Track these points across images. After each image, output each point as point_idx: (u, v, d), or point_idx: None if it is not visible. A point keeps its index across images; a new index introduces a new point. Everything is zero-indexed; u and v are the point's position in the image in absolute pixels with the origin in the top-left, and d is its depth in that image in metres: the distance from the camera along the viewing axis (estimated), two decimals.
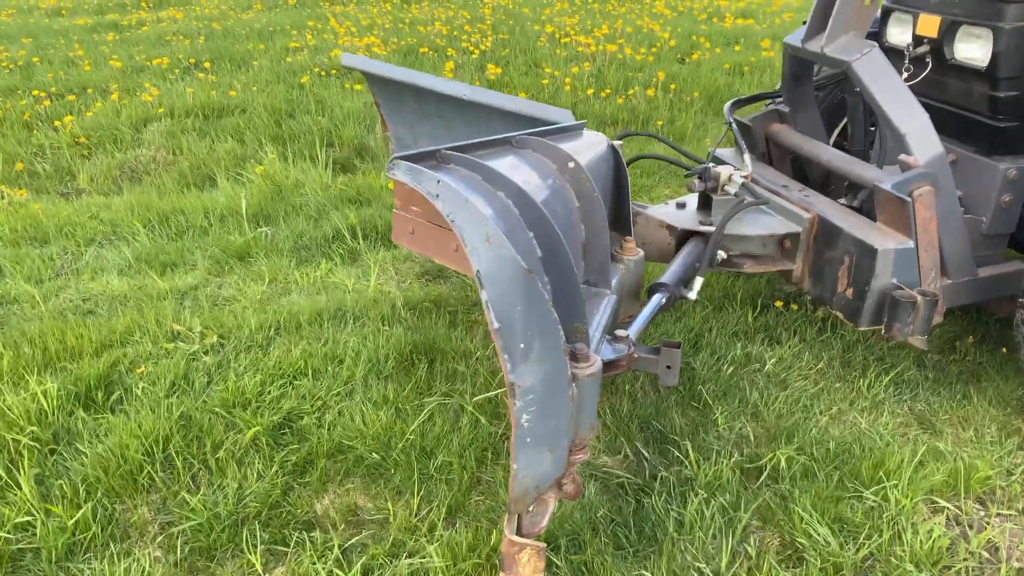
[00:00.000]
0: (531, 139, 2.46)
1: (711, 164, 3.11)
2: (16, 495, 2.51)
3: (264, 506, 2.54)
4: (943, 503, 2.57)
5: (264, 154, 5.81)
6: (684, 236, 3.04)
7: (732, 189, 3.07)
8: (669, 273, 2.77)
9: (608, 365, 2.22)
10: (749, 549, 2.39)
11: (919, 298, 2.61)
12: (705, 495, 2.55)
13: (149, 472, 2.65)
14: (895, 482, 2.56)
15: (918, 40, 3.13)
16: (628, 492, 2.62)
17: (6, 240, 4.54)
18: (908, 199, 2.68)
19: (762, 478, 2.66)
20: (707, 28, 10.25)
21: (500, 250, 1.75)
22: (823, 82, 3.77)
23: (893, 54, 3.15)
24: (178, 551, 2.40)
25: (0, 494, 2.55)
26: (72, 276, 4.14)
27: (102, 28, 10.73)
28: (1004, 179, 2.95)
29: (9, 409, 2.85)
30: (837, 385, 3.18)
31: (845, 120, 3.93)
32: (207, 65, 8.36)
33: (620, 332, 2.33)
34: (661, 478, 2.65)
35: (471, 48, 8.88)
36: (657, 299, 2.64)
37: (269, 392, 3.02)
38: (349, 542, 2.42)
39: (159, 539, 2.46)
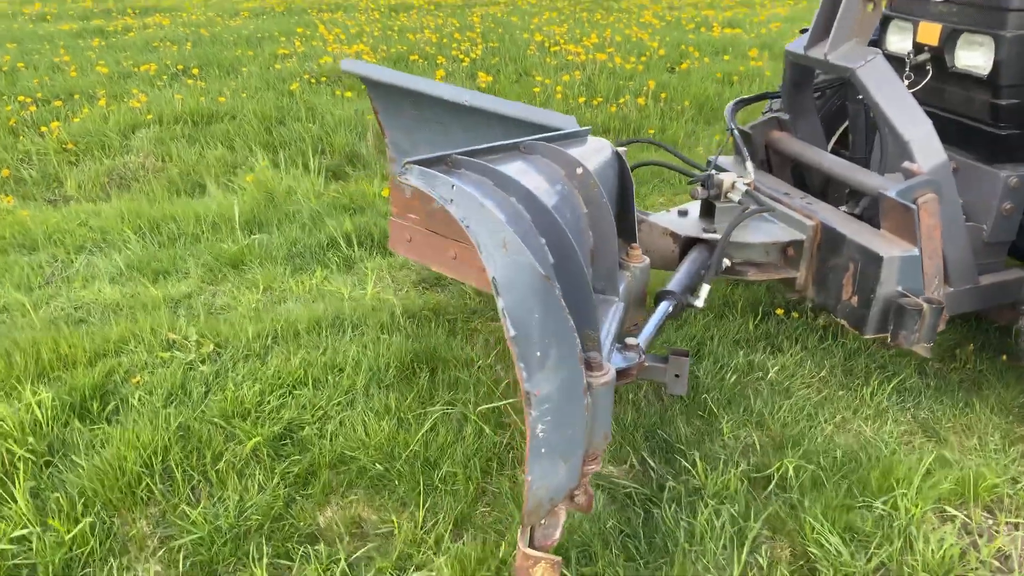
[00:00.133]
0: (539, 144, 2.44)
1: (714, 171, 3.11)
2: (12, 509, 2.45)
3: (266, 519, 2.49)
4: (952, 511, 2.56)
5: (255, 161, 5.75)
6: (688, 243, 3.03)
7: (735, 196, 3.06)
8: (675, 281, 2.75)
9: (619, 374, 2.20)
10: (760, 560, 2.37)
11: (925, 306, 2.60)
12: (714, 505, 2.53)
13: (148, 484, 2.59)
14: (904, 491, 2.55)
15: (919, 48, 3.13)
16: (636, 502, 2.59)
17: None
18: (913, 206, 2.68)
19: (770, 487, 2.64)
20: (695, 37, 10.30)
21: (518, 256, 1.73)
22: (821, 86, 3.78)
23: (892, 62, 3.16)
24: (179, 566, 2.34)
25: None
26: (63, 284, 4.07)
27: (87, 34, 10.62)
28: (1005, 187, 2.96)
29: (3, 420, 2.78)
30: (840, 393, 3.17)
31: (842, 127, 3.94)
32: (195, 71, 8.29)
33: (630, 340, 2.31)
34: (669, 488, 2.63)
35: (461, 56, 8.87)
36: (664, 307, 2.62)
37: (269, 402, 2.97)
38: (355, 555, 2.38)
39: (159, 553, 2.40)
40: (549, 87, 7.58)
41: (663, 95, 7.40)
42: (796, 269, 3.01)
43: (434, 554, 2.38)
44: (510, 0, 14.10)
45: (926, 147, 2.78)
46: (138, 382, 3.08)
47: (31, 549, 2.35)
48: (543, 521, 1.96)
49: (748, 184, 3.09)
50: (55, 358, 3.22)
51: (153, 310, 3.70)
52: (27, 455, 2.67)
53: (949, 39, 3.02)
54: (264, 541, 2.42)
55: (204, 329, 3.46)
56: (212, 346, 3.34)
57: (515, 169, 2.29)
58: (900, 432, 2.96)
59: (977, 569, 2.36)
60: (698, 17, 12.18)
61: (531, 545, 1.91)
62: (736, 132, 3.51)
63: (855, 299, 2.79)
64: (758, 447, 2.84)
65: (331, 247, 4.47)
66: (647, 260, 2.75)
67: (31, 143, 6.17)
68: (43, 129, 6.38)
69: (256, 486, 2.61)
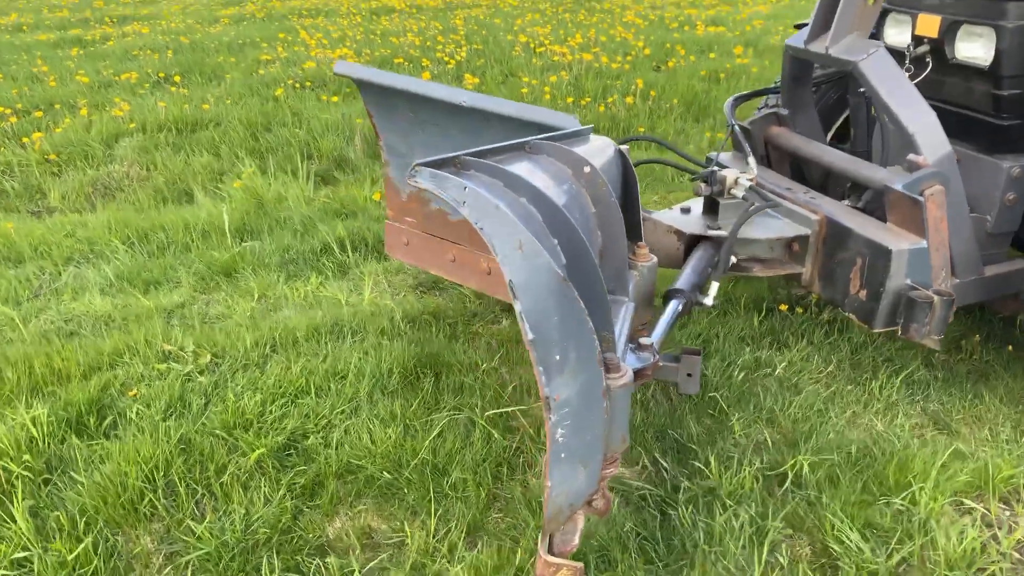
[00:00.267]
0: (545, 144, 2.39)
1: (716, 168, 3.08)
2: (11, 529, 2.37)
3: (274, 531, 2.43)
4: (970, 504, 2.54)
5: (242, 167, 5.67)
6: (692, 241, 2.99)
7: (739, 192, 3.03)
8: (683, 279, 2.72)
9: (635, 375, 2.16)
10: (781, 559, 2.33)
11: (936, 298, 2.58)
12: (732, 504, 2.49)
13: (151, 500, 2.52)
14: (921, 484, 2.53)
15: (918, 40, 3.12)
16: (651, 504, 2.55)
17: None
18: (920, 199, 2.66)
19: (786, 485, 2.61)
20: (680, 36, 10.30)
21: (535, 259, 1.68)
22: (819, 80, 3.76)
23: (891, 54, 3.15)
24: None
25: None
26: (52, 296, 3.98)
27: (65, 43, 10.47)
28: (1008, 177, 2.95)
29: None
30: (849, 388, 3.15)
31: (839, 121, 3.93)
32: (177, 79, 8.19)
33: (644, 340, 2.27)
34: (684, 488, 2.59)
35: (446, 58, 8.82)
36: (674, 305, 2.59)
37: (271, 412, 2.91)
38: (368, 566, 2.32)
39: (166, 570, 2.33)
40: (536, 88, 7.55)
41: (652, 93, 7.39)
42: (801, 264, 2.98)
43: (449, 563, 2.32)
44: (491, 3, 14.06)
45: (931, 139, 2.76)
46: (135, 395, 3.01)
47: (32, 571, 2.27)
48: (562, 527, 1.93)
49: (751, 180, 3.06)
50: (48, 372, 3.14)
51: (146, 321, 3.62)
52: (24, 473, 2.59)
53: (949, 31, 3.01)
54: (273, 555, 2.35)
55: (200, 339, 3.39)
56: (209, 356, 3.27)
57: (523, 169, 2.24)
58: (911, 425, 2.94)
59: (998, 561, 2.34)
60: (681, 16, 12.20)
61: (551, 551, 1.87)
62: (737, 128, 3.48)
63: (864, 293, 2.76)
64: (770, 444, 2.81)
65: (325, 253, 4.40)
66: (655, 259, 2.71)
67: (12, 154, 6.06)
68: (24, 140, 6.26)
69: (262, 498, 2.55)
